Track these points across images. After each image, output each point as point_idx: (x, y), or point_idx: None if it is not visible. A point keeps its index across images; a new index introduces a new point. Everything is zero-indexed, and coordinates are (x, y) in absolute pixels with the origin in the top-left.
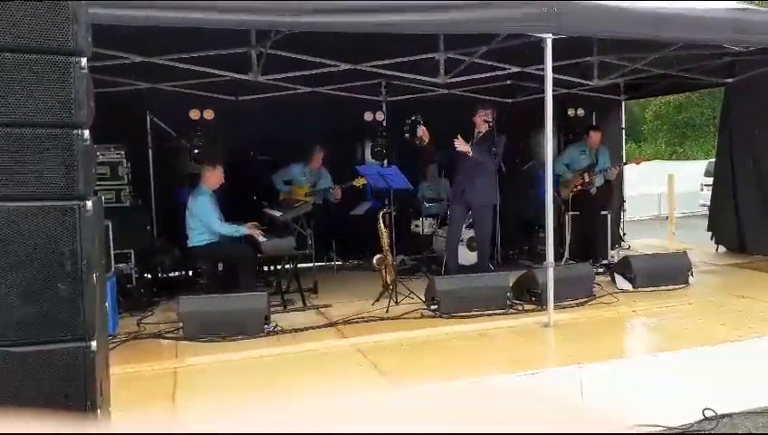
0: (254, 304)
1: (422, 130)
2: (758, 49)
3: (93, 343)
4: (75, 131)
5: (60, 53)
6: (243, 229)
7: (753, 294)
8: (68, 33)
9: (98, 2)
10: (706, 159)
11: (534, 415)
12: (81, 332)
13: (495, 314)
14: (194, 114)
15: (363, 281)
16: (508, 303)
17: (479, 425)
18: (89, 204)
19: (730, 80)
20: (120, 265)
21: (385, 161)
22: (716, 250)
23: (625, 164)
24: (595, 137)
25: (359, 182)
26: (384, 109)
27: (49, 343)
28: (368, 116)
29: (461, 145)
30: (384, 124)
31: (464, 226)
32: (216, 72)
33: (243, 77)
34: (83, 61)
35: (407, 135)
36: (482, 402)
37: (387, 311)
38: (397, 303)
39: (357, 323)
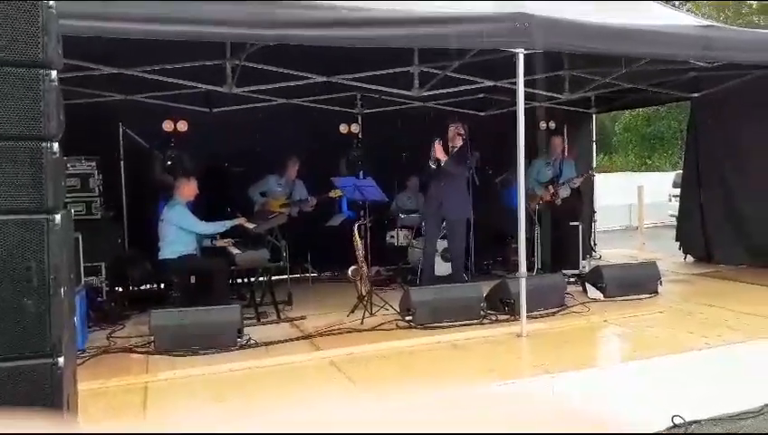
0: (227, 316)
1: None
2: (722, 65)
3: (61, 359)
4: (44, 144)
5: (29, 66)
6: (228, 223)
7: (720, 302)
8: (38, 46)
9: (69, 14)
10: (674, 170)
11: (534, 418)
12: (48, 348)
13: (470, 324)
14: (167, 126)
15: (338, 293)
16: (482, 313)
17: (481, 428)
18: (57, 217)
19: (696, 94)
20: (91, 279)
21: (360, 173)
22: (684, 259)
23: (591, 173)
24: (555, 142)
25: (335, 193)
26: (359, 121)
27: (15, 360)
28: (343, 128)
29: (439, 151)
30: (359, 136)
31: (438, 237)
32: (191, 83)
33: (217, 89)
34: (53, 73)
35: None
36: (483, 406)
37: (362, 322)
38: (372, 314)
39: (331, 335)
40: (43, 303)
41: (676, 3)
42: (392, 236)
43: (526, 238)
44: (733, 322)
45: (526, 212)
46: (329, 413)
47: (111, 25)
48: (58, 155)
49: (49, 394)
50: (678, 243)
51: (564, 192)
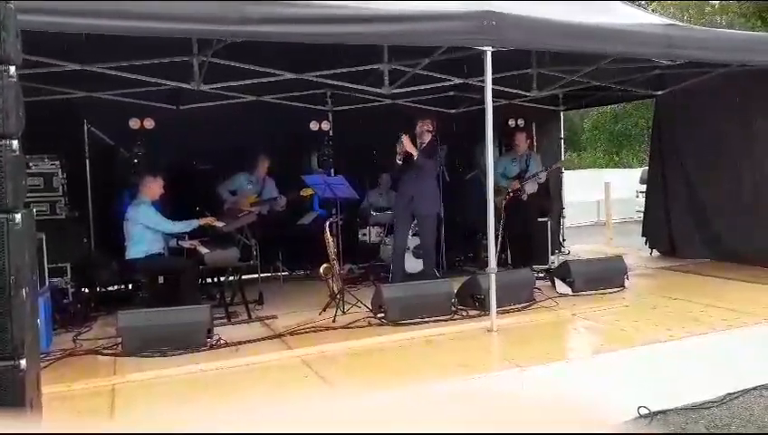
0: (196, 317)
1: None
2: (684, 63)
3: (22, 362)
4: (3, 142)
5: None
6: (195, 221)
7: (685, 295)
8: None
9: (29, 8)
10: (642, 167)
11: (531, 416)
12: (9, 350)
13: (441, 320)
14: (134, 123)
15: (310, 291)
16: (453, 309)
17: (481, 427)
18: (17, 217)
19: (659, 92)
20: (56, 280)
21: (331, 171)
22: (651, 254)
23: (559, 166)
24: (519, 137)
25: (306, 192)
26: (330, 118)
27: None
28: (314, 125)
29: (408, 145)
30: (330, 133)
31: (409, 234)
32: (157, 80)
33: (184, 86)
34: (12, 69)
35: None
36: (484, 405)
37: (334, 320)
38: (344, 312)
39: (303, 333)
40: (3, 304)
41: (642, 2)
42: (364, 234)
43: (496, 234)
44: (696, 314)
45: (495, 208)
46: (303, 413)
47: (74, 21)
48: (18, 153)
49: (11, 397)
50: (644, 238)
51: (531, 187)
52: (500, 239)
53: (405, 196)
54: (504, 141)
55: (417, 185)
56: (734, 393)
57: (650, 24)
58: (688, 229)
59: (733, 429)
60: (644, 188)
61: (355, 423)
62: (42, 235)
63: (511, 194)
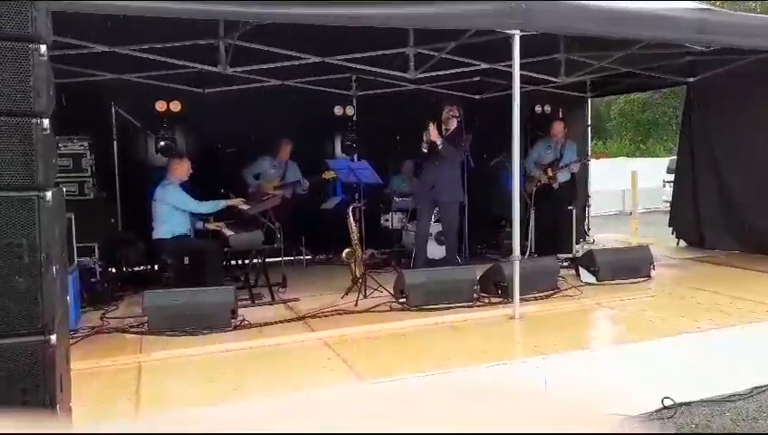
0: (220, 298)
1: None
2: (719, 49)
3: (53, 337)
4: (34, 120)
5: (18, 40)
6: (222, 202)
7: (712, 287)
8: (26, 20)
9: None
10: (669, 156)
11: (534, 415)
12: (39, 326)
13: (463, 306)
14: (160, 106)
15: (332, 275)
16: (475, 296)
17: (480, 425)
18: (48, 195)
19: (691, 79)
20: (84, 259)
21: (355, 156)
22: (677, 244)
23: (588, 160)
24: (557, 127)
25: (328, 175)
26: (354, 103)
27: (6, 337)
28: (338, 110)
29: (434, 134)
30: (354, 118)
31: (432, 220)
32: (184, 63)
33: (211, 69)
34: (43, 48)
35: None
36: (483, 403)
37: (356, 304)
38: (365, 296)
39: (325, 316)
40: (35, 281)
41: None
42: (387, 220)
43: (520, 221)
44: (724, 306)
45: (522, 195)
46: (326, 406)
47: (103, 2)
48: (48, 132)
49: (40, 372)
50: (671, 228)
51: (563, 176)
52: (529, 227)
53: (427, 183)
54: (530, 127)
55: (440, 173)
56: (761, 387)
57: (683, 9)
58: (717, 220)
59: (760, 422)
60: (671, 177)
61: (376, 418)
62: (70, 215)
63: (541, 182)
